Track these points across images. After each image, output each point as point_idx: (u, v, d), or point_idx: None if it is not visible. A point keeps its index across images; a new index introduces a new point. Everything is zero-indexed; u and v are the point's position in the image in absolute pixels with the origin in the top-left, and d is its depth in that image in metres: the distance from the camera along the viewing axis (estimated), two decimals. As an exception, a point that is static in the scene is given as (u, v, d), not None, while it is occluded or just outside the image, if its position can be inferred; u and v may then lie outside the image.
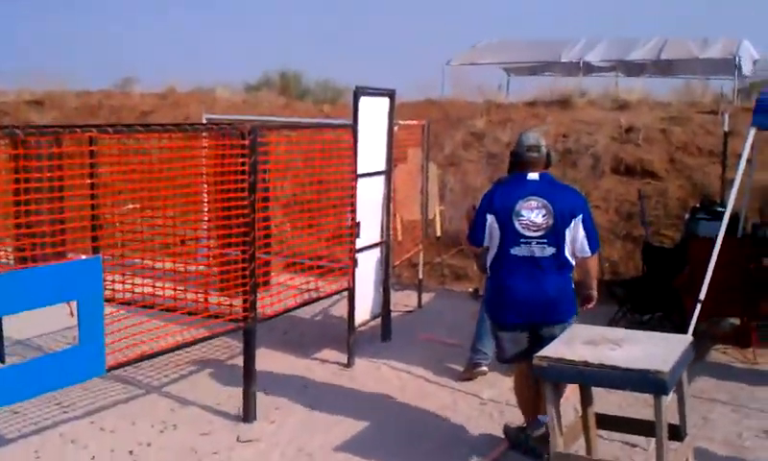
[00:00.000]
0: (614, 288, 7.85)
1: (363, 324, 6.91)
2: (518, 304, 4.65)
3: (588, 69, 17.30)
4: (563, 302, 4.68)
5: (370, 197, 6.85)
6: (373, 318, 7.15)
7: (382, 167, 7.06)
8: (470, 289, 9.09)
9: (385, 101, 7.05)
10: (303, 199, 7.07)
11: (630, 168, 10.51)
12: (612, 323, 7.05)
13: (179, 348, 5.13)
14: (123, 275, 5.64)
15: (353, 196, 6.47)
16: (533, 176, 4.70)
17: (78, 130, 4.50)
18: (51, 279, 4.10)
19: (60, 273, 4.18)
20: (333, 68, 39.81)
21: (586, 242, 4.65)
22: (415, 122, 8.72)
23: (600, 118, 11.72)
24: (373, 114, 6.79)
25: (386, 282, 7.24)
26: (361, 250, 6.65)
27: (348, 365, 6.62)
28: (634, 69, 17.56)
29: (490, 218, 4.67)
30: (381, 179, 7.08)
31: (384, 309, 7.26)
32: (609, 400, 5.43)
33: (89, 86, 17.25)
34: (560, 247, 4.61)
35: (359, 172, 6.50)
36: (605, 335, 4.32)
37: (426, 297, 8.92)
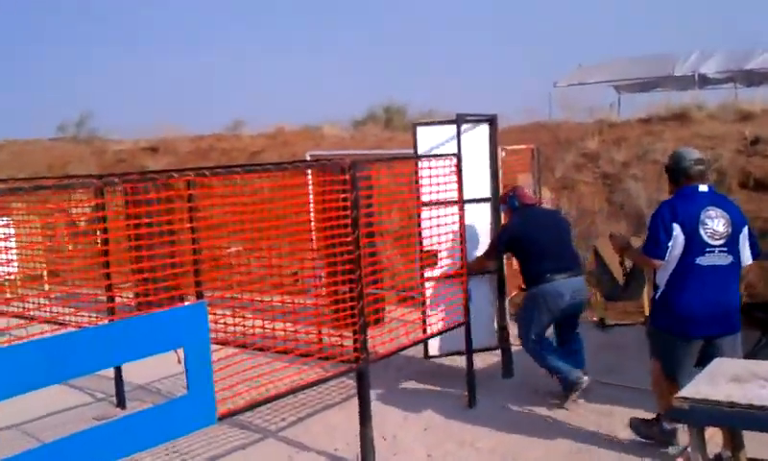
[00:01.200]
0: (755, 312, 7.20)
1: (480, 350, 6.64)
2: (703, 315, 4.68)
3: (704, 82, 16.51)
4: (737, 310, 4.81)
5: (477, 225, 6.69)
6: (489, 349, 6.89)
7: (488, 194, 6.84)
8: (595, 318, 8.58)
9: (485, 127, 6.85)
10: (411, 231, 6.85)
11: (759, 182, 9.79)
12: (756, 350, 6.44)
13: (291, 393, 4.96)
14: (234, 316, 5.53)
15: (461, 226, 6.20)
16: (703, 188, 4.81)
17: (175, 175, 4.42)
18: (156, 327, 4.00)
19: (165, 320, 4.07)
20: (437, 99, 39.80)
21: (749, 250, 4.82)
22: (523, 146, 8.40)
23: (722, 131, 11.03)
24: (476, 140, 6.69)
25: (502, 315, 6.90)
26: (471, 280, 6.39)
27: (470, 405, 6.27)
28: (753, 79, 16.60)
29: (677, 229, 4.68)
30: (488, 206, 6.85)
31: (502, 343, 6.91)
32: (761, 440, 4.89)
33: (202, 131, 17.76)
34: (736, 255, 4.74)
35: (464, 199, 6.29)
36: (752, 370, 3.86)
37: (547, 328, 8.48)
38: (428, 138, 6.61)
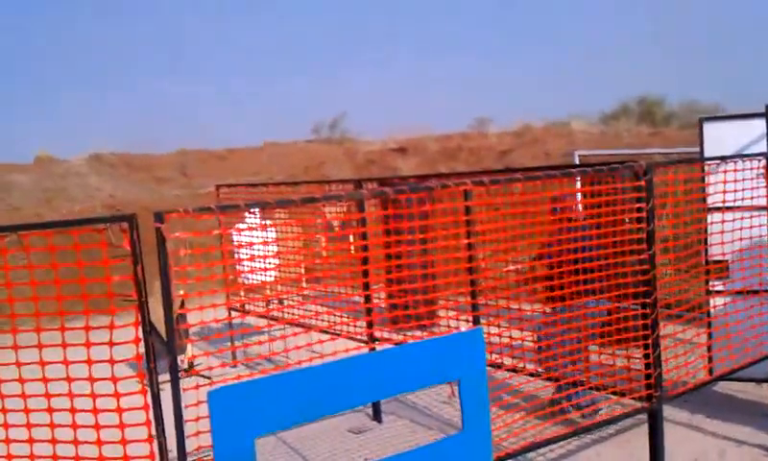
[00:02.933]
0: None
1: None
2: None
3: None
4: None
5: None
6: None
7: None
8: None
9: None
10: (688, 241, 5.94)
11: None
12: None
13: (575, 434, 4.34)
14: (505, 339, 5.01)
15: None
16: None
17: (450, 184, 3.96)
18: (431, 356, 3.57)
19: (438, 348, 3.63)
20: (695, 90, 36.92)
21: None
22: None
23: None
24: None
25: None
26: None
27: (777, 453, 5.27)
28: None
29: None
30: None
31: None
32: None
33: (448, 130, 17.59)
34: None
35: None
36: None
37: None
38: (719, 135, 5.80)
